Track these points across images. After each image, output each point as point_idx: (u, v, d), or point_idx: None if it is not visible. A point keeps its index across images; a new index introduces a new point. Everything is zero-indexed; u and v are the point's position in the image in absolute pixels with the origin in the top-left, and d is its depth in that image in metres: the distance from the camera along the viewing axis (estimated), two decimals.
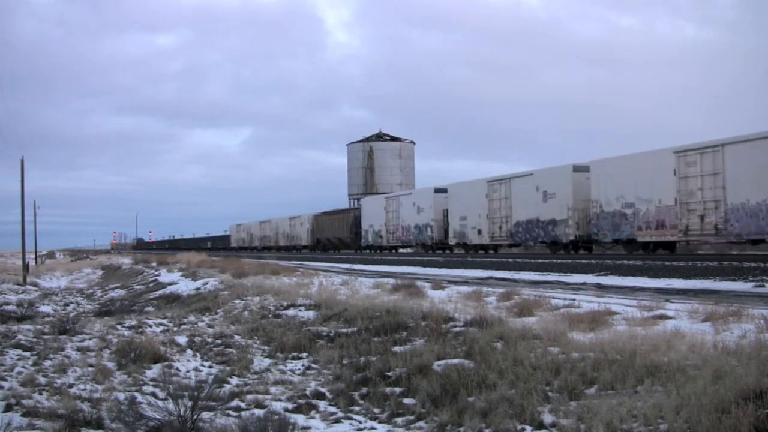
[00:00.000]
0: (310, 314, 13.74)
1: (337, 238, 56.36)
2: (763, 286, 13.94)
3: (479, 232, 35.81)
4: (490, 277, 21.11)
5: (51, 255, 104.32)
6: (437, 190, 40.63)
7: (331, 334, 11.61)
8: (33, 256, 68.66)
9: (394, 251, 46.89)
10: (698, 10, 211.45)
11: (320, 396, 8.50)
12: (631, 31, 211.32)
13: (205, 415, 7.19)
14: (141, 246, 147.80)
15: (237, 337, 12.67)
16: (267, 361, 10.71)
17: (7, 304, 21.90)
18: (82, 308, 22.06)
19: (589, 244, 29.66)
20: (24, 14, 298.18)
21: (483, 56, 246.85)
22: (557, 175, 30.48)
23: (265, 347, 11.74)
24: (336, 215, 57.81)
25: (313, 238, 61.51)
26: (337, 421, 7.50)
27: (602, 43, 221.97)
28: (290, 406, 8.02)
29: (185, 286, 23.54)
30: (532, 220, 31.74)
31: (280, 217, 72.35)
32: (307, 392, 8.64)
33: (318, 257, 49.68)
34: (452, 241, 38.88)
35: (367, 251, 50.73)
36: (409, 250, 45.57)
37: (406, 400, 7.70)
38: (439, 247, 40.61)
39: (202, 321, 15.23)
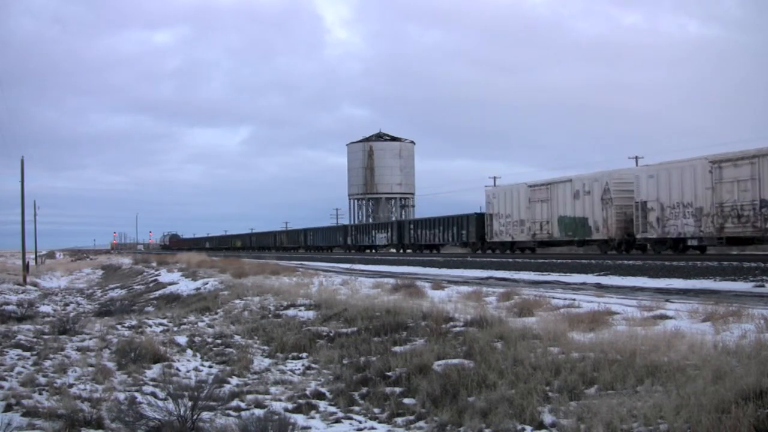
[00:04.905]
0: (310, 314, 13.75)
1: None
2: (763, 286, 13.94)
3: None
4: (490, 277, 21.14)
5: (51, 255, 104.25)
6: None
7: (331, 334, 11.61)
8: (33, 256, 68.61)
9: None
10: (703, 7, 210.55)
11: (320, 396, 8.50)
12: (634, 29, 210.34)
13: (205, 415, 7.19)
14: (176, 244, 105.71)
15: (237, 337, 12.67)
16: (267, 361, 10.71)
17: (7, 304, 21.91)
18: (82, 308, 22.06)
19: None
20: (19, 11, 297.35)
21: (484, 54, 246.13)
22: None
23: (265, 347, 11.73)
24: None
25: None
26: (337, 421, 7.50)
27: (605, 41, 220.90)
28: (290, 406, 8.02)
29: (185, 286, 23.56)
30: None
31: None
32: (307, 392, 8.64)
33: (316, 257, 49.22)
34: None
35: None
36: None
37: (406, 400, 7.70)
38: None
39: (202, 321, 15.24)
